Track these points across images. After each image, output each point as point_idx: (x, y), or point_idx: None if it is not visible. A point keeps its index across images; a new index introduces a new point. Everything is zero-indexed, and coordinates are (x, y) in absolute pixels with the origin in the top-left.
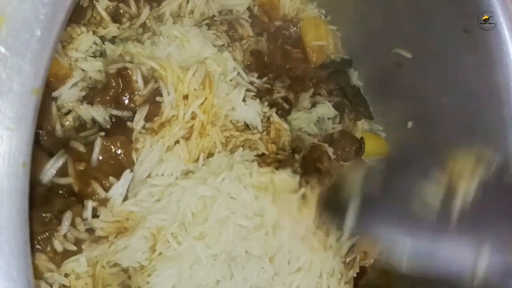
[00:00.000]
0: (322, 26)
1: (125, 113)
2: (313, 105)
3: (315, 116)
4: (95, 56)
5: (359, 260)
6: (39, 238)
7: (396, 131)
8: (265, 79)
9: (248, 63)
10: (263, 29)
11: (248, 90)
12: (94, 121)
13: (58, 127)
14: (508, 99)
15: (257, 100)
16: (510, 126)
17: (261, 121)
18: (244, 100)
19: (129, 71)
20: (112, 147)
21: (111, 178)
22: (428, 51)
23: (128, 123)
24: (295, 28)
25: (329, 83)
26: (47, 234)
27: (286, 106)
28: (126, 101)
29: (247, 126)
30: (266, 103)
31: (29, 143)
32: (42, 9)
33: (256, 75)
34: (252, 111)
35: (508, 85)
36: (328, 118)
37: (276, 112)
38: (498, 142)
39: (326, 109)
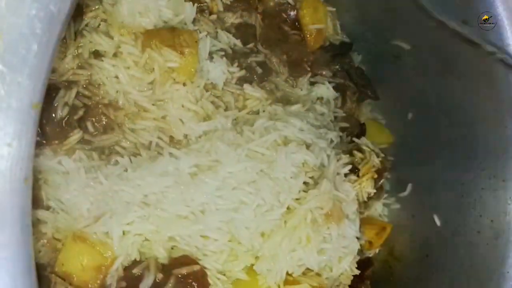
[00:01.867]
0: (321, 9)
1: None
2: (312, 84)
3: (314, 96)
4: None
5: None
6: None
7: (397, 121)
8: (251, 45)
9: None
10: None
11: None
12: None
13: None
14: (508, 90)
15: (224, 59)
16: (510, 117)
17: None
18: (211, 57)
19: None
20: None
21: None
22: (427, 44)
23: None
24: (293, 12)
25: (332, 65)
26: None
27: (259, 70)
28: None
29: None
30: (236, 64)
31: (30, 158)
32: (38, 23)
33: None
34: (217, 70)
35: (507, 76)
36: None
37: (248, 77)
38: (498, 132)
39: (325, 89)
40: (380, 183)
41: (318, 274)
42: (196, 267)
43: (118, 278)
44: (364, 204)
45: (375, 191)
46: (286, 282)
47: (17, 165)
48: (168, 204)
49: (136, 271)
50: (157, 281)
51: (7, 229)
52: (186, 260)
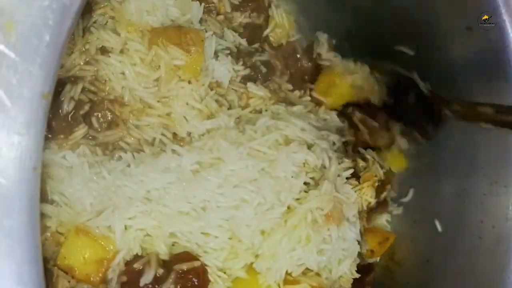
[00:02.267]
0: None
1: None
2: None
3: None
4: None
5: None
6: None
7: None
8: (256, 44)
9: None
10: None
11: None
12: None
13: None
14: (510, 97)
15: (229, 57)
16: None
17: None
18: (217, 56)
19: None
20: None
21: None
22: (430, 49)
23: None
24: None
25: None
26: None
27: (263, 69)
28: None
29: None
30: (241, 62)
31: (40, 147)
32: (51, 14)
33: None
34: (222, 68)
35: (509, 83)
36: None
37: (252, 76)
38: (500, 138)
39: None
40: (383, 196)
41: (318, 274)
42: (196, 263)
43: (120, 272)
44: (366, 216)
45: (375, 200)
46: (285, 281)
47: (26, 154)
48: (170, 200)
49: (137, 265)
50: (158, 276)
51: (15, 217)
52: (187, 256)
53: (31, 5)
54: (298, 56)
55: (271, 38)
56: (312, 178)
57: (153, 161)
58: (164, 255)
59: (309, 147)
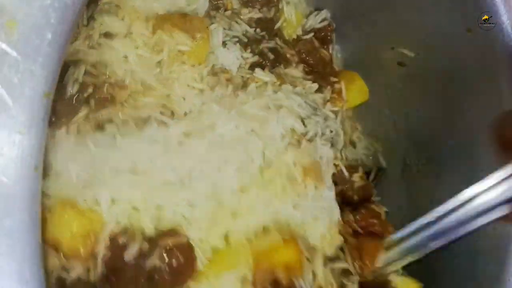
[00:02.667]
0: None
1: None
2: None
3: None
4: None
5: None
6: None
7: (396, 125)
8: (263, 33)
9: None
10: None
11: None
12: None
13: None
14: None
15: (237, 45)
16: None
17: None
18: (225, 44)
19: None
20: None
21: None
22: (431, 50)
23: None
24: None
25: None
26: None
27: (271, 56)
28: None
29: None
30: (249, 50)
31: (41, 147)
32: (53, 13)
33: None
34: (231, 56)
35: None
36: None
37: (260, 63)
38: None
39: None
40: None
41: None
42: (183, 239)
43: (106, 246)
44: None
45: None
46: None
47: (28, 153)
48: (157, 171)
49: (121, 240)
50: (143, 251)
51: (15, 216)
52: (173, 233)
53: (32, 4)
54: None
55: (283, 32)
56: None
57: (139, 132)
58: (150, 231)
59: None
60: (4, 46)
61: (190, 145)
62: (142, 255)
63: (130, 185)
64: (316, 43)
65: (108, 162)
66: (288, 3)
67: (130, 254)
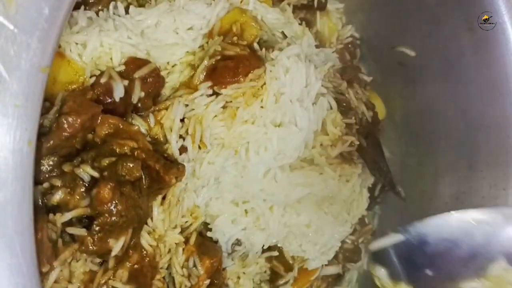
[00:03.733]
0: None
1: None
2: None
3: None
4: None
5: None
6: None
7: (398, 127)
8: None
9: None
10: None
11: None
12: None
13: None
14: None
15: None
16: None
17: None
18: None
19: None
20: None
21: None
22: (432, 50)
23: None
24: None
25: None
26: None
27: None
28: None
29: None
30: None
31: (36, 120)
32: None
33: None
34: None
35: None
36: None
37: None
38: (500, 142)
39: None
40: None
41: None
42: (152, 65)
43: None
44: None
45: None
46: None
47: (22, 125)
48: (160, 33)
49: (102, 80)
50: (124, 86)
51: (8, 189)
52: (139, 62)
53: None
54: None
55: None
56: None
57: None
58: (119, 67)
59: None
60: (1, 18)
61: None
62: (126, 91)
63: (128, 41)
64: (348, 56)
65: (114, 23)
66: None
67: (119, 93)
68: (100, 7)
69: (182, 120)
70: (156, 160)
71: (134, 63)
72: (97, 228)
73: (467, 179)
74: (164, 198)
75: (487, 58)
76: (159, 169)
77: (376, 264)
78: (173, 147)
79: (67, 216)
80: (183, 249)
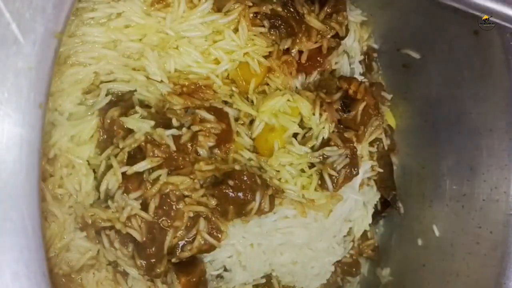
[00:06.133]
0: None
1: None
2: None
3: None
4: None
5: None
6: None
7: (402, 128)
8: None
9: None
10: None
11: None
12: None
13: None
14: None
15: None
16: None
17: None
18: None
19: None
20: None
21: None
22: (437, 53)
23: None
24: None
25: None
26: None
27: None
28: None
29: None
30: None
31: (47, 83)
32: None
33: None
34: None
35: None
36: None
37: None
38: (503, 145)
39: None
40: None
41: None
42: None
43: None
44: None
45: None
46: None
47: (34, 88)
48: None
49: None
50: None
51: (17, 148)
52: None
53: None
54: None
55: None
56: None
57: None
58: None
59: None
60: None
61: None
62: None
63: None
64: (363, 68)
65: None
66: None
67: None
68: None
69: None
70: None
71: None
72: None
73: (468, 182)
74: None
75: (491, 61)
76: None
77: None
78: None
79: None
80: None
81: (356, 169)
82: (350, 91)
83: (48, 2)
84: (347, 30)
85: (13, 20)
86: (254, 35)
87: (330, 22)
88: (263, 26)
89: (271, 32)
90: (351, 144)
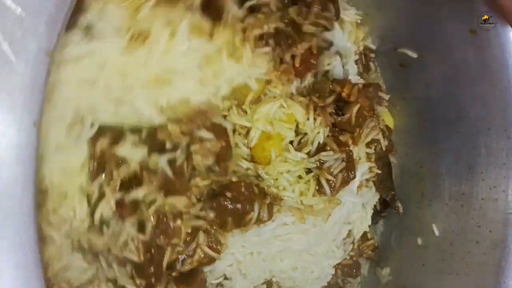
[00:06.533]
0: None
1: None
2: None
3: None
4: None
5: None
6: None
7: (399, 128)
8: None
9: None
10: None
11: None
12: None
13: None
14: None
15: None
16: None
17: None
18: None
19: None
20: None
21: None
22: (434, 52)
23: None
24: None
25: None
26: None
27: None
28: None
29: None
30: None
31: (41, 102)
32: None
33: None
34: None
35: None
36: None
37: None
38: (501, 144)
39: None
40: None
41: None
42: None
43: None
44: None
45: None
46: None
47: (28, 108)
48: None
49: None
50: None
51: (13, 167)
52: None
53: None
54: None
55: None
56: None
57: None
58: None
59: None
60: (9, 1)
61: None
62: None
63: None
64: (361, 68)
65: None
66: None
67: None
68: None
69: None
70: None
71: None
72: None
73: (467, 181)
74: None
75: (489, 60)
76: None
77: None
78: None
79: None
80: None
81: (353, 172)
82: (344, 94)
83: (40, 21)
84: (338, 12)
85: (4, 39)
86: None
87: (319, 20)
88: (268, 45)
89: (275, 51)
90: (347, 148)
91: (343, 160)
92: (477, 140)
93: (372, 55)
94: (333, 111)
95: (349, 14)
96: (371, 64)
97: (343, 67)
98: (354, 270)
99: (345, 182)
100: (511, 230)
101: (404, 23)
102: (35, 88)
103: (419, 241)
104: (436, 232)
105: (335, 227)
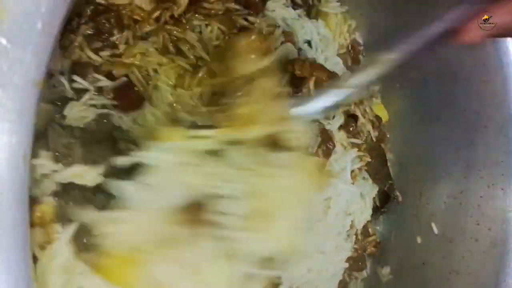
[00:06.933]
0: None
1: None
2: None
3: None
4: None
5: None
6: None
7: (396, 128)
8: None
9: None
10: None
11: None
12: None
13: None
14: (509, 98)
15: None
16: (510, 125)
17: None
18: None
19: None
20: None
21: None
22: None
23: None
24: None
25: None
26: None
27: None
28: None
29: None
30: None
31: (30, 135)
32: (44, 1)
33: None
34: None
35: (508, 84)
36: None
37: None
38: (498, 141)
39: None
40: None
41: None
42: None
43: None
44: None
45: None
46: None
47: (17, 141)
48: None
49: None
50: None
51: (4, 203)
52: None
53: None
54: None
55: None
56: None
57: None
58: None
59: None
60: None
61: None
62: None
63: None
64: (349, 62)
65: None
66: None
67: None
68: None
69: None
70: None
71: None
72: None
73: (465, 179)
74: None
75: (485, 59)
76: None
77: None
78: None
79: None
80: None
81: (331, 143)
82: (297, 72)
83: (26, 51)
84: None
85: None
86: None
87: None
88: None
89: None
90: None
91: (317, 136)
92: (474, 137)
93: (361, 48)
94: (292, 90)
95: (332, 7)
96: (361, 57)
97: (297, 50)
98: (360, 263)
99: (327, 154)
100: (511, 228)
101: (396, 18)
102: (23, 121)
103: (419, 239)
104: (436, 231)
105: (337, 218)
